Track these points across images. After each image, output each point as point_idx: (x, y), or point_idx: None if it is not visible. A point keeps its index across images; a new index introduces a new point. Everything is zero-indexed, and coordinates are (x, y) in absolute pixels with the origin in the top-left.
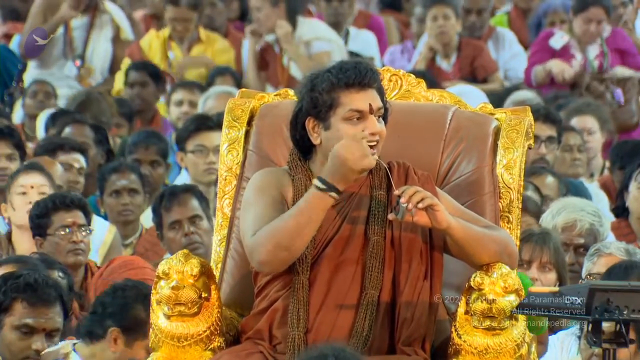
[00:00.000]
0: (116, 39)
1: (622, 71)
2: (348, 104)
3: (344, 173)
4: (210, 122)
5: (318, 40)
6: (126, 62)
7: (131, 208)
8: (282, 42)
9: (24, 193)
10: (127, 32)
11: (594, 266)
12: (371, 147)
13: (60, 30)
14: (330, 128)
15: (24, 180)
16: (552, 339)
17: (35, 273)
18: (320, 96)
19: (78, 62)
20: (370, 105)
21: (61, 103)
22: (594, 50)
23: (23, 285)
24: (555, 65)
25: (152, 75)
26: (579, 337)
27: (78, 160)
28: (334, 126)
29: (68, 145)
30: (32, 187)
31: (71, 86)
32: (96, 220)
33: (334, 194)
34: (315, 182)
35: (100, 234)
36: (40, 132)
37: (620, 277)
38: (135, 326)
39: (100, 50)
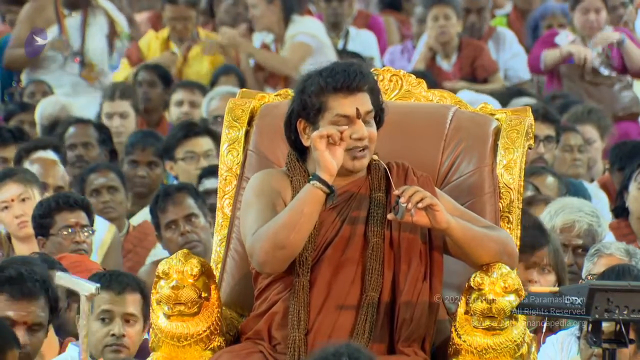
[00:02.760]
0: (112, 34)
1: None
2: (335, 109)
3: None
4: (197, 128)
5: (302, 34)
6: (125, 63)
7: (112, 205)
8: (237, 49)
9: (6, 207)
10: (123, 26)
11: (594, 267)
12: (361, 150)
13: (55, 30)
14: None
15: (2, 195)
16: (552, 339)
17: (21, 267)
18: (309, 99)
19: (78, 59)
20: (357, 109)
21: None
22: (597, 50)
23: (5, 278)
24: (575, 49)
25: (160, 76)
26: (579, 338)
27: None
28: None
29: (41, 144)
30: (12, 200)
31: (75, 83)
32: (96, 219)
33: (321, 185)
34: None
35: (100, 234)
36: (37, 124)
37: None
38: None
39: (97, 46)
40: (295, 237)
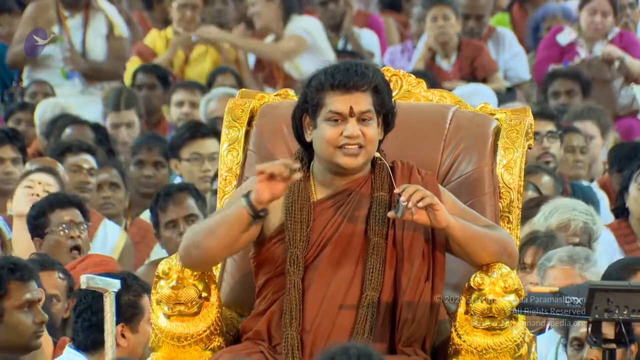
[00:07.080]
0: (110, 36)
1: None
2: (329, 105)
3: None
4: (204, 129)
5: (299, 29)
6: (135, 62)
7: (112, 202)
8: (220, 42)
9: (29, 187)
10: (121, 29)
11: (544, 281)
12: (354, 148)
13: (56, 30)
14: (317, 127)
15: (33, 176)
16: (541, 339)
17: (7, 256)
18: (310, 94)
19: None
20: (351, 108)
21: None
22: (599, 51)
23: (11, 266)
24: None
25: (160, 77)
26: (565, 345)
27: (87, 160)
28: (319, 126)
29: (76, 147)
30: (39, 183)
31: (75, 83)
32: (108, 225)
33: (246, 206)
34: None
35: (113, 240)
36: (37, 126)
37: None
38: (132, 311)
39: (96, 47)
40: (210, 242)
